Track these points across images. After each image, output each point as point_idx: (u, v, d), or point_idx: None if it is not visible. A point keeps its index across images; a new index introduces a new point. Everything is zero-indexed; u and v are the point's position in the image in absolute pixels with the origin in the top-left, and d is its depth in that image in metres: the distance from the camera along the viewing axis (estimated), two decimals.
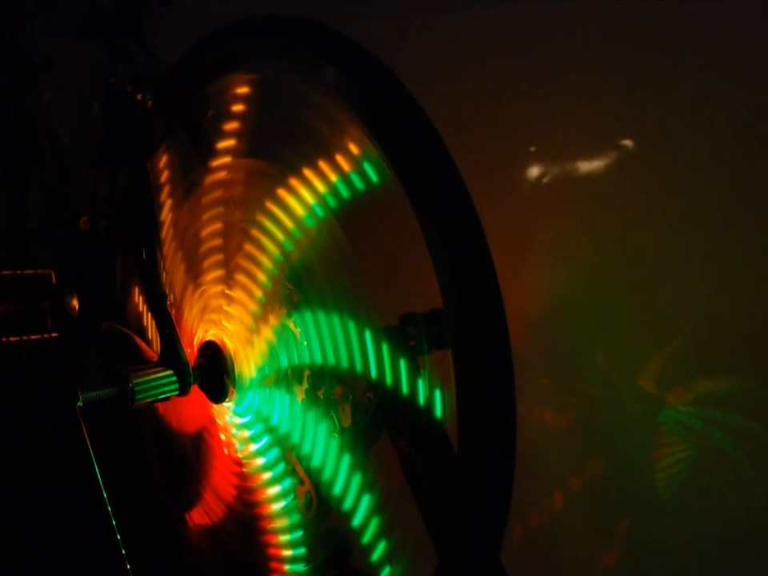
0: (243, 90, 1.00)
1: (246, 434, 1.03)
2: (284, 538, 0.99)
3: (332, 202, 0.88)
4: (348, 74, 0.78)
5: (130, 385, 0.96)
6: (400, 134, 0.75)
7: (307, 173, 0.90)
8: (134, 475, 1.28)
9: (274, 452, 0.99)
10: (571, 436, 1.11)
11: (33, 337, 1.14)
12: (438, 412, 0.80)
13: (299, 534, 0.97)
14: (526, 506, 1.10)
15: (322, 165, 0.88)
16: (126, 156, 1.14)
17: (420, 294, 0.80)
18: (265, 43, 0.90)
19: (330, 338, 0.88)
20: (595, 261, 1.08)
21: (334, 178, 0.87)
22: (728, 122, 0.95)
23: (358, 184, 0.85)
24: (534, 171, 1.11)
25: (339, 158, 0.86)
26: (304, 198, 0.90)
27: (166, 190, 1.13)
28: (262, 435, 1.01)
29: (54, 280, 1.16)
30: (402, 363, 0.82)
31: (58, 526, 1.23)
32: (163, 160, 1.12)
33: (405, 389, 0.82)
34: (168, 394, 0.99)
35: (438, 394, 0.80)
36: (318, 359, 0.90)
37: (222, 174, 1.04)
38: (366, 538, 0.86)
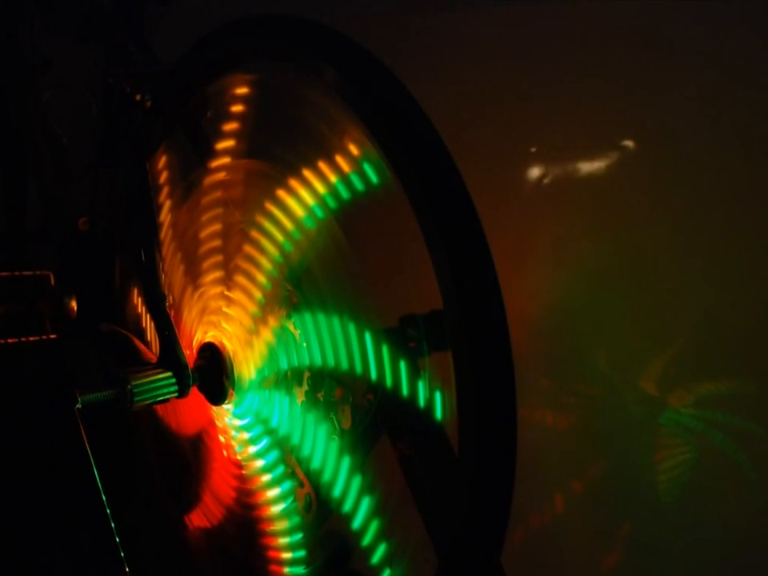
0: (242, 90, 1.00)
1: (246, 436, 1.02)
2: (283, 540, 0.99)
3: (332, 203, 0.88)
4: (348, 75, 0.78)
5: (129, 387, 0.96)
6: (400, 135, 0.74)
7: (307, 174, 0.89)
8: (133, 477, 1.27)
9: (274, 454, 0.99)
10: (572, 438, 1.11)
11: (31, 338, 1.14)
12: (439, 414, 0.80)
13: (299, 536, 0.97)
14: (526, 508, 1.10)
15: (322, 165, 0.88)
16: (124, 157, 1.14)
17: (420, 296, 0.80)
18: (264, 43, 0.89)
19: (330, 339, 0.88)
20: (596, 262, 1.07)
21: (333, 178, 0.87)
22: (730, 122, 0.95)
23: (358, 185, 0.85)
24: (535, 172, 1.11)
25: (339, 159, 0.86)
26: (304, 198, 0.90)
27: (165, 190, 1.13)
28: (262, 437, 1.00)
29: (52, 281, 1.16)
30: (402, 365, 0.82)
31: (57, 528, 1.22)
32: (162, 161, 1.12)
33: (405, 390, 0.81)
34: (167, 396, 0.99)
35: (438, 396, 0.80)
36: (318, 361, 0.90)
37: (221, 175, 1.03)
38: (366, 540, 0.86)
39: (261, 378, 0.98)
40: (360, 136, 0.81)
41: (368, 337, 0.84)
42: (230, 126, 1.02)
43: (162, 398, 0.99)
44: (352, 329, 0.86)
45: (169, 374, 0.99)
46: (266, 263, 0.95)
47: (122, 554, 0.99)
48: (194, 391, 1.02)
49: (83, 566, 1.19)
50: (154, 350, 1.11)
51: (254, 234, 0.96)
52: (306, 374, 0.92)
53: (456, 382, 0.71)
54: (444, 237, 0.71)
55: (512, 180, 1.13)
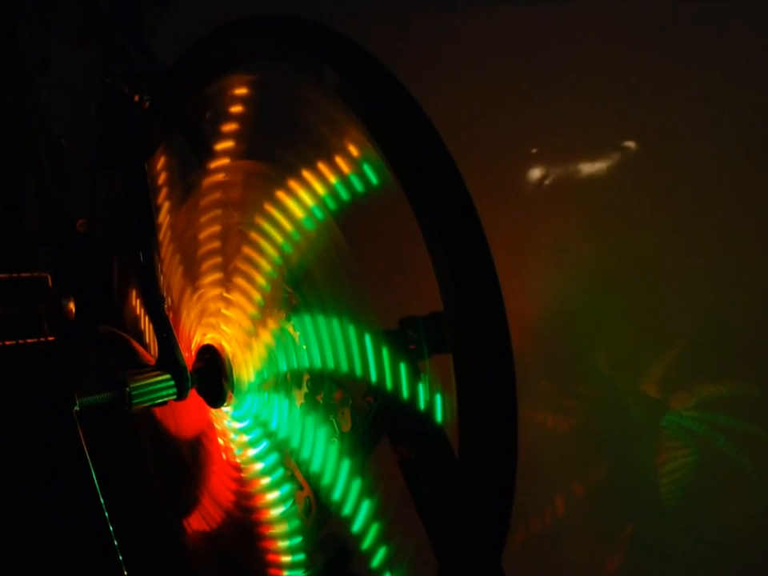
0: (242, 91, 1.00)
1: (245, 438, 1.02)
2: (283, 543, 0.98)
3: (331, 204, 0.87)
4: (348, 75, 0.78)
5: (128, 389, 0.95)
6: (400, 136, 0.74)
7: (306, 175, 0.89)
8: (131, 480, 1.27)
9: (273, 457, 0.98)
10: (573, 440, 1.11)
11: (29, 340, 1.13)
12: (439, 416, 0.79)
13: (298, 539, 0.97)
14: (527, 510, 1.10)
15: (322, 167, 0.87)
16: (123, 158, 1.14)
17: (420, 297, 0.79)
18: (264, 43, 0.89)
19: (330, 341, 0.88)
20: (597, 263, 1.07)
21: (333, 179, 0.87)
22: (731, 122, 0.95)
23: (358, 186, 0.85)
24: (536, 173, 1.11)
25: (338, 160, 0.85)
26: (303, 200, 0.90)
27: (164, 192, 1.12)
28: (261, 440, 1.00)
29: (50, 283, 1.16)
30: (402, 367, 0.81)
31: (55, 531, 1.22)
32: (161, 162, 1.11)
33: (405, 393, 0.81)
34: (166, 399, 0.98)
35: (438, 399, 0.79)
36: (318, 363, 0.89)
37: (220, 176, 1.03)
38: (366, 543, 0.85)
39: (260, 381, 0.97)
40: (360, 137, 0.81)
41: (368, 339, 0.84)
42: (229, 127, 1.02)
43: (160, 401, 0.98)
44: (352, 331, 0.85)
45: (167, 376, 0.99)
46: (265, 265, 0.95)
47: (121, 557, 0.99)
48: (193, 394, 1.01)
49: (81, 569, 1.19)
50: (152, 352, 1.10)
51: (253, 235, 0.96)
52: (306, 377, 0.91)
53: (456, 384, 0.71)
54: (444, 238, 0.71)
55: (512, 181, 1.13)
